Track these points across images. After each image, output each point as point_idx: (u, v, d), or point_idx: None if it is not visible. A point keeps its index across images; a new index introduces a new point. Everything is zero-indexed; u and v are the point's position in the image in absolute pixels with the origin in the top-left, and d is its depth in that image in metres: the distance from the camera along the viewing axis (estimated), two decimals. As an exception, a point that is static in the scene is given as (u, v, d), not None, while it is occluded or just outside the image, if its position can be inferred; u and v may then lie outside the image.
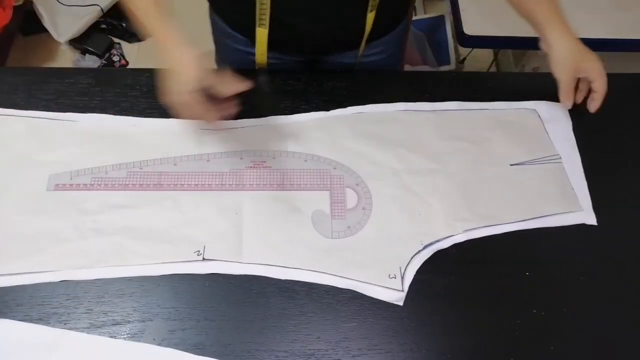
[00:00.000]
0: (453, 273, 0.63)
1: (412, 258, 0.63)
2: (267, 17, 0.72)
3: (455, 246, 0.65)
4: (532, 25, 0.74)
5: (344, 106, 0.76)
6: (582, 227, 0.68)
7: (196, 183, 0.68)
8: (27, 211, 0.64)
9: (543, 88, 0.79)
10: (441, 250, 0.64)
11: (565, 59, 0.70)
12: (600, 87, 0.71)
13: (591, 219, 0.68)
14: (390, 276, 0.62)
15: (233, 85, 0.62)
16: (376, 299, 0.61)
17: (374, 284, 0.61)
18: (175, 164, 0.69)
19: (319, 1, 0.72)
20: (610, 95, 0.72)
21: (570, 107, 0.74)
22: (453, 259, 0.64)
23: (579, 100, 0.74)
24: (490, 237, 0.66)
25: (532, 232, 0.67)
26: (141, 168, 0.69)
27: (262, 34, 0.75)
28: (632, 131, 0.78)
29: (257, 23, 0.74)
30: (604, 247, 0.67)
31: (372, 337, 0.58)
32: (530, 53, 1.45)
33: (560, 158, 0.73)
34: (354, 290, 0.61)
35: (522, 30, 0.76)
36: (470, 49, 1.29)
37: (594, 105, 0.73)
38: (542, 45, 0.73)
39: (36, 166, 0.68)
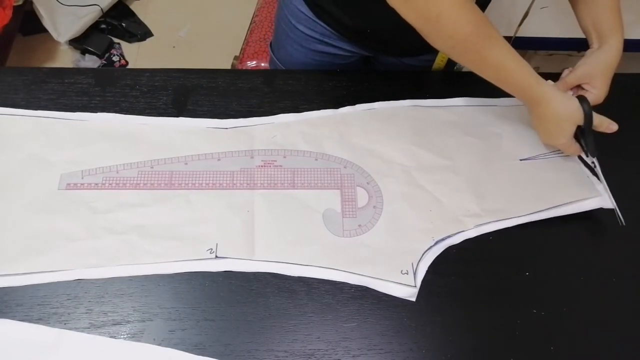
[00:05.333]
0: (453, 273, 0.63)
1: (424, 254, 0.63)
2: None
3: (455, 246, 0.65)
4: (586, 27, 0.73)
5: (344, 106, 0.76)
6: (582, 226, 0.68)
7: (207, 182, 0.68)
8: (39, 210, 0.64)
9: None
10: (441, 250, 0.64)
11: (601, 64, 0.69)
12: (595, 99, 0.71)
13: (607, 203, 0.68)
14: (403, 272, 0.62)
15: (607, 125, 0.68)
16: (376, 299, 0.61)
17: (387, 280, 0.61)
18: (186, 163, 0.69)
19: None
20: (610, 95, 0.72)
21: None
22: (453, 259, 0.64)
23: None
24: (490, 237, 0.66)
25: (533, 232, 0.67)
26: (152, 167, 0.69)
27: None
28: (631, 131, 0.78)
29: None
30: (604, 247, 0.67)
31: (372, 337, 0.58)
32: (530, 53, 1.45)
33: None
34: (356, 290, 0.61)
35: (522, 30, 0.76)
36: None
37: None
38: (588, 52, 0.72)
39: (47, 166, 0.68)
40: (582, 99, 0.66)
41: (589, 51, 0.72)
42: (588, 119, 0.65)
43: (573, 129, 0.67)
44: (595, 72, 0.70)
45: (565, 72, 0.74)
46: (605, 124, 0.68)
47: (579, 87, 0.73)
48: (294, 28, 0.85)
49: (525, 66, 0.65)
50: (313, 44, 0.85)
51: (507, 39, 1.11)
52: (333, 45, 0.84)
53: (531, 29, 0.76)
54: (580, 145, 0.69)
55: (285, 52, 0.90)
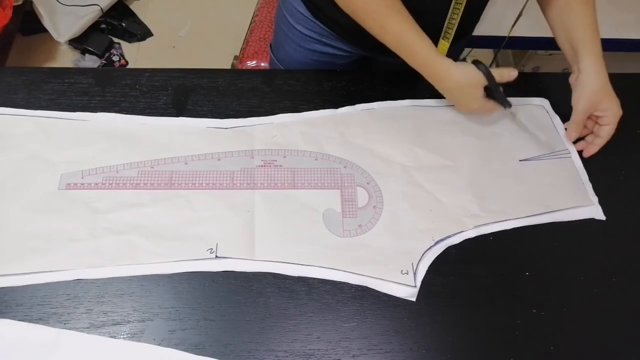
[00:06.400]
0: (453, 273, 0.63)
1: (424, 254, 0.63)
2: (453, 31, 0.75)
3: (455, 246, 0.65)
4: (565, 49, 0.73)
5: (344, 106, 0.76)
6: (582, 226, 0.68)
7: (207, 182, 0.68)
8: (39, 210, 0.64)
9: (544, 87, 0.79)
10: (441, 250, 0.64)
11: (591, 89, 0.70)
12: (606, 134, 0.72)
13: (599, 214, 0.69)
14: (403, 272, 0.62)
15: (507, 73, 0.70)
16: (376, 299, 0.61)
17: (387, 280, 0.61)
18: (186, 163, 0.69)
19: None
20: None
21: (573, 139, 0.74)
22: (453, 259, 0.64)
23: (582, 134, 0.74)
24: (490, 237, 0.66)
25: (532, 232, 0.67)
26: (152, 167, 0.69)
27: (444, 46, 0.77)
28: (632, 131, 0.78)
29: (442, 35, 0.76)
30: (603, 247, 0.67)
31: (372, 337, 0.58)
32: (530, 53, 1.45)
33: (570, 153, 0.74)
34: (356, 290, 0.61)
35: (522, 30, 0.76)
36: (470, 49, 1.30)
37: (589, 150, 0.73)
38: (571, 77, 0.73)
39: (48, 165, 0.68)
40: (476, 62, 0.69)
41: (572, 80, 0.73)
42: (490, 77, 0.69)
43: (480, 92, 0.70)
44: (595, 98, 0.70)
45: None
46: (506, 74, 0.70)
47: (593, 118, 0.73)
48: (293, 28, 0.85)
49: (426, 41, 0.68)
50: (311, 43, 0.85)
51: (501, 39, 1.11)
52: (331, 45, 0.85)
53: (528, 29, 0.76)
54: (495, 101, 0.72)
55: (284, 51, 0.90)
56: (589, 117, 0.73)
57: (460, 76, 0.68)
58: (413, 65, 0.70)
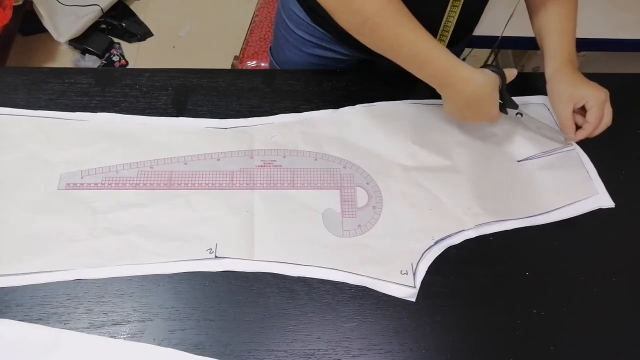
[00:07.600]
0: (453, 273, 0.63)
1: (423, 254, 0.63)
2: (449, 34, 0.74)
3: (455, 246, 0.65)
4: (540, 45, 0.75)
5: (344, 106, 0.76)
6: (583, 226, 0.68)
7: (207, 182, 0.68)
8: (39, 210, 0.64)
9: (543, 87, 0.78)
10: (441, 250, 0.64)
11: (560, 90, 0.71)
12: (594, 118, 0.70)
13: (608, 201, 0.69)
14: (402, 272, 0.62)
15: (511, 74, 0.68)
16: (376, 299, 0.61)
17: (386, 280, 0.61)
18: (185, 164, 0.69)
19: None
20: (611, 95, 0.72)
21: (573, 139, 0.73)
22: (453, 259, 0.64)
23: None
24: (490, 237, 0.66)
25: (532, 232, 0.67)
26: (152, 167, 0.69)
27: None
28: (632, 131, 0.78)
29: (438, 37, 0.75)
30: (603, 247, 0.67)
31: (372, 337, 0.58)
32: (530, 53, 1.45)
33: (574, 146, 0.74)
34: (356, 290, 0.61)
35: (522, 30, 0.76)
36: (470, 49, 1.30)
37: (578, 135, 0.72)
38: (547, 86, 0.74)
39: (47, 166, 0.68)
40: (489, 67, 0.66)
41: (548, 87, 0.74)
42: (504, 80, 0.67)
43: (498, 96, 0.67)
44: (567, 95, 0.71)
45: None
46: (510, 75, 0.68)
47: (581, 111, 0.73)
48: (293, 32, 0.85)
49: (441, 46, 0.63)
50: (311, 47, 0.85)
51: (494, 38, 1.12)
52: (331, 49, 0.85)
53: (527, 29, 0.77)
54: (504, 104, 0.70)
55: (284, 55, 0.91)
56: (578, 113, 0.73)
57: (482, 79, 0.64)
58: (428, 75, 0.64)
